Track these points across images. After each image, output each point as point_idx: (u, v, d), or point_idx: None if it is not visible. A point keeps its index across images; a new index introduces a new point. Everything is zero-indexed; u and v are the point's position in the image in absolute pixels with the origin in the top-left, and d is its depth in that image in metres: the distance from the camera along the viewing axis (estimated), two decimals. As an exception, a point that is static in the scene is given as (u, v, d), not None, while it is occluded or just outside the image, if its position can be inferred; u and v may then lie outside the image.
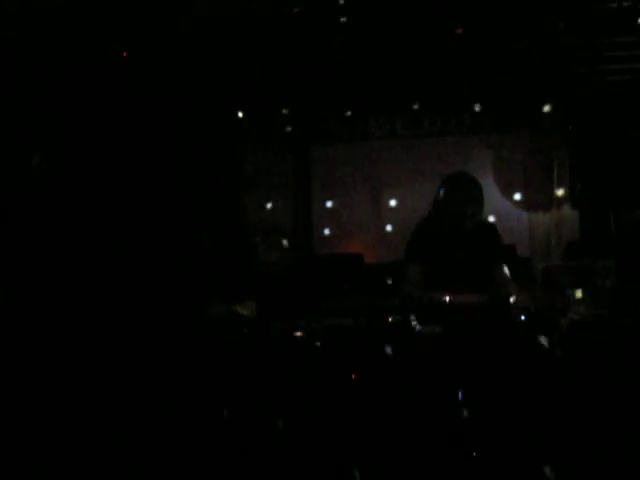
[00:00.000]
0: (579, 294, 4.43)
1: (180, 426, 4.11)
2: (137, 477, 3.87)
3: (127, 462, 3.91)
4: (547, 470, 3.65)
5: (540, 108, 7.28)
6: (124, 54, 5.28)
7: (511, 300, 4.27)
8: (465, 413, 3.88)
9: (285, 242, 5.40)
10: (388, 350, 4.10)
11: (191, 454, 3.98)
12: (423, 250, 4.35)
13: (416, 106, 7.32)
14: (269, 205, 7.51)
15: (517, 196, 7.55)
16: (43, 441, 4.03)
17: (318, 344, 4.29)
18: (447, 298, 4.19)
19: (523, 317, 4.21)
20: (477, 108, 7.34)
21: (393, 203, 7.57)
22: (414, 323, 4.19)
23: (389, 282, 5.93)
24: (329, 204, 7.72)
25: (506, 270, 4.44)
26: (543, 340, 4.02)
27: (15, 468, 3.86)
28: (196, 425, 4.10)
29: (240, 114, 6.62)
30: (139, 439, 4.06)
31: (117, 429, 4.11)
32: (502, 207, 7.29)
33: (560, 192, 7.42)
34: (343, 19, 5.27)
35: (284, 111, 7.02)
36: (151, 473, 3.88)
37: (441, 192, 4.40)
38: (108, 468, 3.88)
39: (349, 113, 7.49)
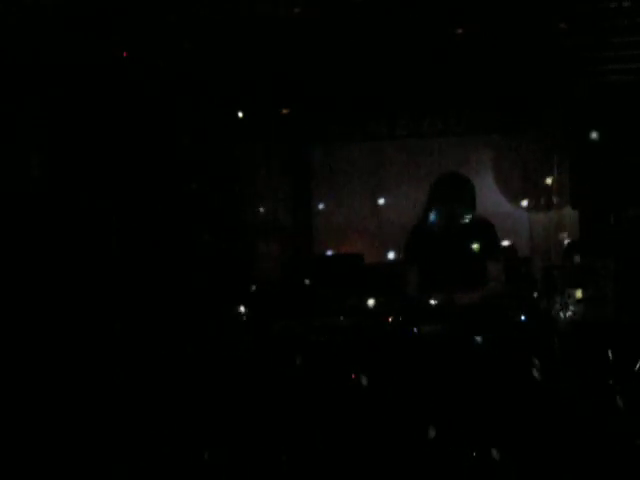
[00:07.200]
0: (579, 294, 4.43)
1: (180, 423, 4.11)
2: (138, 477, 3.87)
3: (127, 462, 3.91)
4: (546, 470, 3.64)
5: (540, 108, 7.27)
6: (124, 54, 5.28)
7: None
8: (464, 413, 3.88)
9: (284, 242, 5.39)
10: (387, 350, 4.10)
11: (192, 455, 3.98)
12: (420, 251, 4.37)
13: (416, 106, 7.31)
14: (268, 205, 7.49)
15: (517, 196, 7.54)
16: (42, 441, 4.03)
17: (317, 344, 4.29)
18: (445, 297, 4.19)
19: (523, 317, 4.21)
20: (477, 108, 7.34)
21: (393, 203, 7.55)
22: (414, 323, 4.19)
23: (389, 282, 5.92)
24: (329, 204, 7.70)
25: (499, 266, 4.42)
26: (543, 340, 4.02)
27: (15, 468, 3.86)
28: (197, 424, 4.11)
29: (240, 114, 6.61)
30: (139, 440, 4.05)
31: (117, 430, 4.11)
32: (502, 207, 7.27)
33: (560, 192, 7.41)
34: (343, 19, 5.28)
35: (284, 111, 7.01)
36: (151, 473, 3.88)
37: (431, 193, 4.44)
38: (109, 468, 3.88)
39: (349, 113, 7.47)
